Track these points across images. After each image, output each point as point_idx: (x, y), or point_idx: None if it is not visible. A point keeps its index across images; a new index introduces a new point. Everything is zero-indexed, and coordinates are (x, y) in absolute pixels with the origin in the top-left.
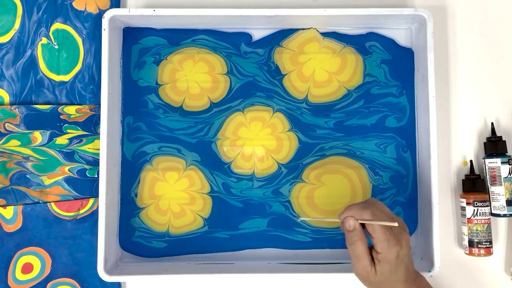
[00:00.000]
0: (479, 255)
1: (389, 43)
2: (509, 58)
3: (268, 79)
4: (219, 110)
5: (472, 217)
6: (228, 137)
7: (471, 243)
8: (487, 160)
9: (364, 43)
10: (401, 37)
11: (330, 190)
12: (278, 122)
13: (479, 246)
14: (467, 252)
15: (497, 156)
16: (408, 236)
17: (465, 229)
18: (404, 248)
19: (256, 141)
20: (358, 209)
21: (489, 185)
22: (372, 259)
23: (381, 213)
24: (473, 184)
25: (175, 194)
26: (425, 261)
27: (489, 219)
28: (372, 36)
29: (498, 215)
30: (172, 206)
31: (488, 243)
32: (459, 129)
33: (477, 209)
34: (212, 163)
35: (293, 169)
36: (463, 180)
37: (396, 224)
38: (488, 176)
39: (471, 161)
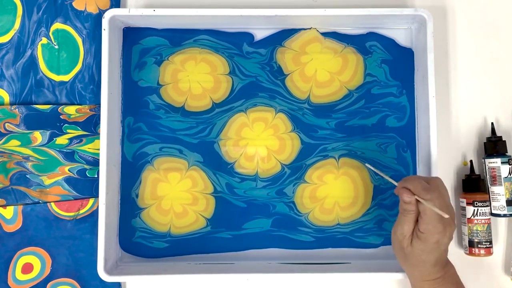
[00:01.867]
0: (479, 255)
1: (389, 43)
2: (509, 57)
3: (270, 79)
4: (221, 110)
5: (472, 217)
6: (231, 137)
7: (471, 243)
8: (487, 160)
9: (364, 43)
10: (401, 37)
11: (332, 190)
12: (281, 123)
13: (479, 246)
14: (467, 252)
15: (497, 156)
16: (454, 229)
17: (465, 229)
18: (446, 238)
19: (258, 142)
20: (420, 189)
21: (489, 185)
22: (413, 230)
23: (440, 200)
24: (473, 184)
25: (178, 195)
26: None
27: (489, 219)
28: (372, 36)
29: (498, 215)
30: (175, 206)
31: (488, 243)
32: (459, 129)
33: (477, 209)
34: (214, 163)
35: (296, 170)
36: (463, 180)
37: (447, 216)
38: (488, 176)
39: (471, 161)
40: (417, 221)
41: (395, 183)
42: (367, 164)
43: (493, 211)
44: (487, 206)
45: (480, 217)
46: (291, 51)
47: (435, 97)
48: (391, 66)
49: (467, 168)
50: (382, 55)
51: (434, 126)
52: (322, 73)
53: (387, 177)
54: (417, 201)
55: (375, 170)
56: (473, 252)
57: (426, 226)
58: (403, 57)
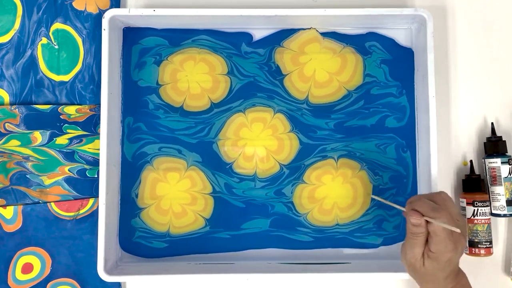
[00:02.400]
0: (479, 255)
1: (389, 43)
2: (509, 58)
3: (268, 79)
4: (219, 110)
5: (472, 217)
6: (229, 137)
7: (471, 243)
8: (487, 160)
9: (364, 43)
10: (401, 37)
11: (331, 190)
12: (279, 123)
13: (479, 246)
14: (467, 252)
15: (497, 156)
16: (465, 242)
17: None
18: (458, 254)
19: (257, 142)
20: (429, 209)
21: (489, 185)
22: (424, 251)
23: (449, 217)
24: (473, 184)
25: (177, 195)
26: None
27: (489, 219)
28: (372, 36)
29: (498, 215)
30: (174, 206)
31: (488, 243)
32: (459, 129)
33: (477, 209)
34: (213, 163)
35: (295, 170)
36: (463, 180)
37: (458, 231)
38: (488, 176)
39: (471, 161)
40: (426, 241)
41: (402, 208)
42: (373, 196)
43: (493, 211)
44: (487, 206)
45: (480, 217)
46: (290, 51)
47: (435, 97)
48: (391, 66)
49: (467, 168)
50: (382, 55)
51: (434, 126)
52: (321, 73)
53: (392, 204)
54: (426, 222)
55: (381, 199)
56: (473, 252)
57: (437, 247)
58: (403, 57)
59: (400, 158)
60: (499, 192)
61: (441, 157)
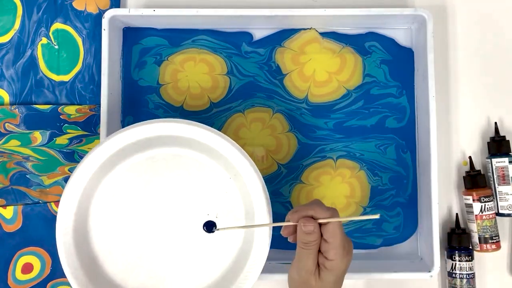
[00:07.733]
0: (491, 250)
1: (389, 43)
2: (510, 57)
3: (268, 79)
4: (219, 110)
5: (480, 213)
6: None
7: (482, 240)
8: (494, 160)
9: (363, 43)
10: (401, 37)
11: (328, 191)
12: (278, 123)
13: (490, 241)
14: (478, 249)
15: (505, 155)
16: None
17: (473, 226)
18: (348, 265)
19: (256, 141)
20: (320, 209)
21: (496, 184)
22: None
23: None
24: (476, 180)
25: None
26: (425, 261)
27: (495, 213)
28: (372, 36)
29: (508, 215)
30: None
31: (497, 237)
32: (460, 129)
33: (484, 205)
34: None
35: (293, 170)
36: (464, 177)
37: (377, 216)
38: (495, 176)
39: (470, 157)
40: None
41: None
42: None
43: (500, 211)
44: (492, 200)
45: (488, 212)
46: (290, 51)
47: (435, 98)
48: (391, 66)
49: (468, 168)
50: (382, 55)
51: (434, 127)
52: (320, 73)
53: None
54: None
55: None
56: (484, 248)
57: (335, 251)
58: (403, 57)
59: (400, 158)
60: (507, 191)
61: (442, 157)
